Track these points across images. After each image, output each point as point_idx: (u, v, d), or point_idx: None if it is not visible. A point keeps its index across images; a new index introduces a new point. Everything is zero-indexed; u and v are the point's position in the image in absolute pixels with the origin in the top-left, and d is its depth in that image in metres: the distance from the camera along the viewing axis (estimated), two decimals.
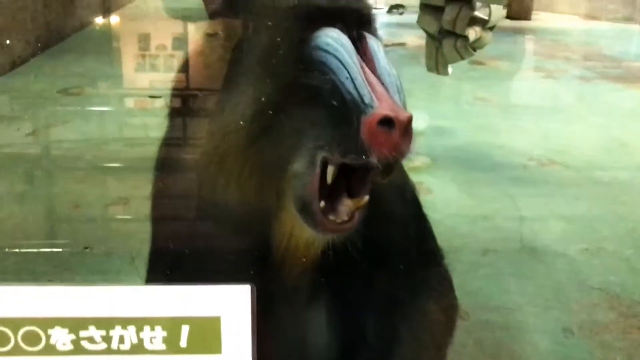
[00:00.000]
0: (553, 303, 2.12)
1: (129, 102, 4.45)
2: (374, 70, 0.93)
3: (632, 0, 8.27)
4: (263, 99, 0.95)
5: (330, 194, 0.94)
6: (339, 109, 0.89)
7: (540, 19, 8.32)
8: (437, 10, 3.25)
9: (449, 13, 3.15)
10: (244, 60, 0.99)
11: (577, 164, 3.39)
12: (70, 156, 3.36)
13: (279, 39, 0.95)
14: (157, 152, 1.16)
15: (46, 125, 3.77)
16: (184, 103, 1.22)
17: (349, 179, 0.96)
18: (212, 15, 1.05)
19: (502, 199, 2.92)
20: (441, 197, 2.87)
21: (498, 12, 3.23)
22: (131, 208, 2.70)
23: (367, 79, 0.90)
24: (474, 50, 3.33)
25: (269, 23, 0.97)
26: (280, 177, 0.95)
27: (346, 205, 0.94)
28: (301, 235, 0.96)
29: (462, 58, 3.34)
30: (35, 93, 4.30)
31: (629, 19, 8.28)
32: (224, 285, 0.75)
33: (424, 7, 3.31)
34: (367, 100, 0.89)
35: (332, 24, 0.94)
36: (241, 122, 0.97)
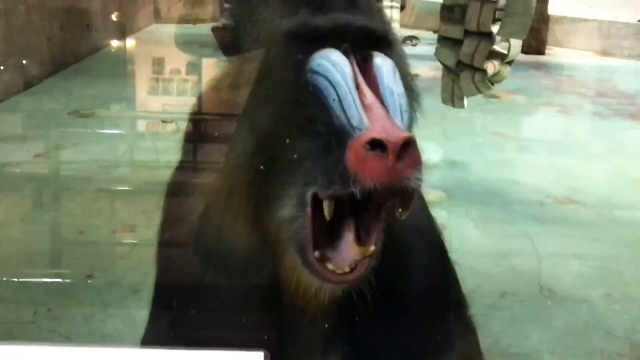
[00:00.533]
0: (575, 351, 2.02)
1: (141, 126, 4.41)
2: (376, 91, 0.85)
3: None
4: (260, 132, 0.89)
5: (334, 237, 0.86)
6: (325, 135, 0.81)
7: (554, 53, 8.29)
8: (456, 43, 3.22)
9: (468, 46, 3.11)
10: (252, 92, 0.93)
11: (595, 202, 3.30)
12: (79, 179, 3.31)
13: (276, 66, 0.89)
14: (169, 176, 1.10)
15: (56, 147, 3.73)
16: (199, 129, 1.17)
17: (358, 219, 0.87)
18: (225, 52, 1.00)
19: (519, 237, 2.83)
20: (456, 234, 2.78)
21: (517, 46, 3.18)
22: (138, 235, 2.63)
23: (363, 100, 0.83)
24: (492, 84, 3.28)
25: (271, 50, 0.91)
26: (276, 219, 0.87)
27: (350, 253, 0.85)
28: (307, 281, 0.87)
29: (480, 92, 3.29)
30: (46, 114, 4.29)
31: None
32: (236, 351, 0.68)
33: (442, 40, 3.28)
34: (354, 122, 0.81)
35: (335, 45, 0.87)
36: (240, 158, 0.91)
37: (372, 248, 0.85)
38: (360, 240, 0.86)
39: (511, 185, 3.50)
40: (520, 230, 2.90)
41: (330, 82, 0.84)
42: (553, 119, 5.06)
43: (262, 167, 0.88)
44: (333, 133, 0.81)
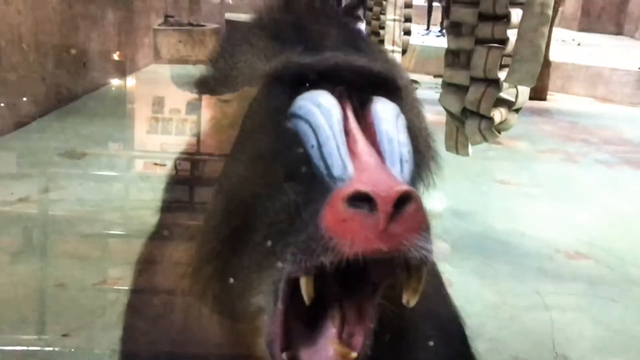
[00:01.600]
0: None
1: (134, 167, 4.26)
2: (372, 138, 0.70)
3: None
4: (232, 190, 0.74)
5: (311, 330, 0.69)
6: (302, 192, 0.65)
7: (555, 99, 8.24)
8: (460, 89, 3.09)
9: (474, 93, 2.98)
10: (234, 143, 0.78)
11: (607, 258, 3.12)
12: (63, 224, 3.13)
13: (255, 112, 0.74)
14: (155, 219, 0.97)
15: (42, 189, 3.57)
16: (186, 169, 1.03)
17: (344, 309, 0.70)
18: (197, 88, 0.87)
19: (529, 296, 2.64)
20: (462, 292, 2.59)
21: (525, 93, 3.06)
22: (123, 288, 2.45)
23: (353, 147, 0.67)
24: (499, 132, 3.15)
25: (251, 94, 0.76)
26: (244, 304, 0.71)
27: (328, 354, 0.68)
28: None
29: (486, 140, 3.15)
30: (35, 154, 4.13)
31: None
32: None
33: (447, 86, 3.15)
34: (336, 171, 0.64)
35: (327, 88, 0.72)
36: (212, 221, 0.75)
37: (354, 355, 0.67)
38: (343, 338, 0.69)
39: (518, 237, 3.33)
40: (530, 288, 2.72)
41: (310, 125, 0.68)
42: (558, 167, 4.92)
43: (231, 233, 0.72)
44: (310, 188, 0.65)
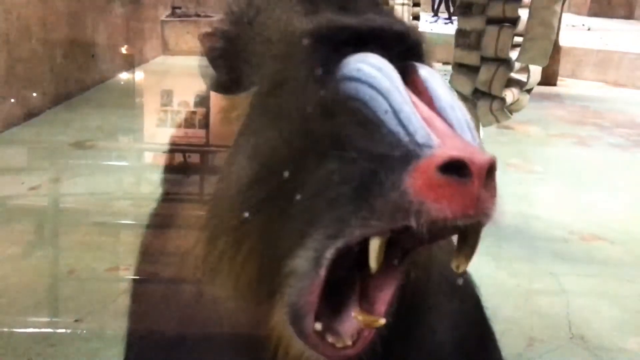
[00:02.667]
0: None
1: (144, 157, 4.26)
2: (431, 106, 0.66)
3: None
4: (264, 157, 0.69)
5: (335, 301, 0.67)
6: (376, 158, 0.61)
7: (566, 85, 8.15)
8: (472, 70, 3.05)
9: (485, 73, 2.95)
10: (254, 106, 0.74)
11: (623, 239, 3.08)
12: (75, 212, 3.14)
13: (293, 74, 0.70)
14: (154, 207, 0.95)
15: (53, 180, 3.57)
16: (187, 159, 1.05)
17: (365, 279, 0.68)
18: (214, 65, 0.79)
19: (544, 277, 2.62)
20: (477, 274, 2.56)
21: (537, 73, 3.02)
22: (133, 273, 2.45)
23: (422, 114, 0.64)
24: (511, 113, 3.11)
25: (286, 55, 0.72)
26: (276, 272, 0.68)
27: (353, 323, 0.66)
28: (297, 349, 0.68)
29: (498, 121, 3.12)
30: (46, 145, 4.15)
31: None
32: None
33: (458, 67, 3.12)
34: (420, 138, 0.61)
35: (368, 51, 0.68)
36: (235, 192, 0.71)
37: (382, 321, 0.66)
38: (366, 306, 0.68)
39: (532, 220, 3.30)
40: (544, 270, 2.69)
41: (377, 90, 0.64)
42: (570, 150, 4.87)
43: (262, 201, 0.69)
44: (387, 153, 0.61)
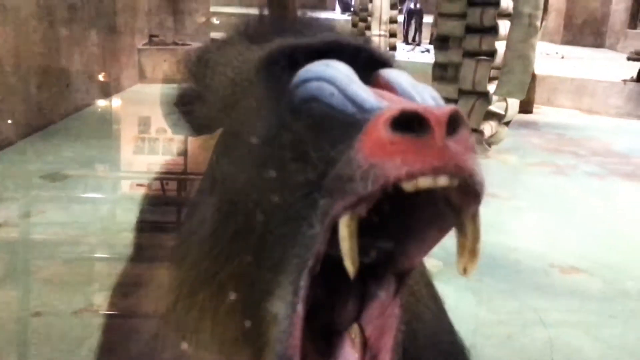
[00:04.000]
0: None
1: (118, 189, 4.16)
2: (393, 92, 0.63)
3: (635, 96, 8.25)
4: (228, 190, 0.65)
5: (328, 337, 0.63)
6: (330, 144, 0.57)
7: (541, 112, 8.26)
8: (449, 103, 3.07)
9: (463, 106, 2.94)
10: (217, 142, 0.73)
11: (603, 273, 3.06)
12: (43, 249, 3.03)
13: (250, 101, 0.68)
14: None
15: (23, 214, 3.46)
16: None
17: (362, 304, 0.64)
18: (197, 130, 0.78)
19: (525, 313, 2.58)
20: (457, 310, 2.50)
21: (515, 106, 3.03)
22: (102, 316, 2.35)
23: (380, 95, 0.60)
24: (489, 145, 3.11)
25: (239, 92, 0.70)
26: (260, 322, 0.63)
27: None
28: None
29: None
30: (16, 178, 4.03)
31: (630, 114, 8.22)
32: None
33: None
34: (368, 104, 0.57)
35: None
36: (203, 233, 0.67)
37: None
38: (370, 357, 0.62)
39: (511, 252, 3.27)
40: (526, 305, 2.65)
41: (324, 79, 0.60)
42: (548, 180, 4.89)
43: (233, 241, 0.64)
44: (333, 139, 0.57)
